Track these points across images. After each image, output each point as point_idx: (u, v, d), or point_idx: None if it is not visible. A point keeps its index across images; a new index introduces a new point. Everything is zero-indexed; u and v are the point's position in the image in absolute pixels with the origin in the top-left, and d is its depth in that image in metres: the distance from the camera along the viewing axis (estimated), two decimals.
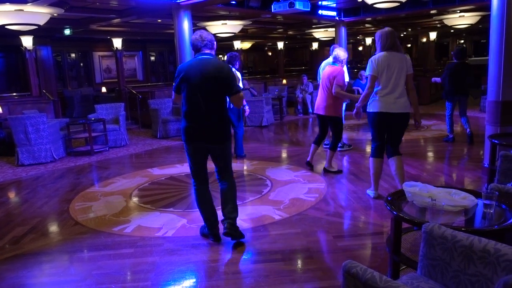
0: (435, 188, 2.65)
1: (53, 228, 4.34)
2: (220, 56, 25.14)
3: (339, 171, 5.74)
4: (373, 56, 4.32)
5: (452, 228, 2.04)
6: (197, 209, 3.77)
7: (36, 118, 7.03)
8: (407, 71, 4.24)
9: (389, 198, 2.67)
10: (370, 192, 4.71)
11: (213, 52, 3.49)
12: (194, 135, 3.45)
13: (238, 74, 6.42)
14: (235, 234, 3.55)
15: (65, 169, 6.78)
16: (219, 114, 3.44)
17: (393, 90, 4.20)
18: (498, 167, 3.41)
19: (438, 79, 7.63)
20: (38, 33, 11.07)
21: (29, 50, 12.45)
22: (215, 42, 3.52)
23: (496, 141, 4.46)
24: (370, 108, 4.33)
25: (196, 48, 3.45)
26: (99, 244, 3.74)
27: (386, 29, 4.29)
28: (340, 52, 5.51)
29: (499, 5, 4.79)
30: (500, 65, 4.87)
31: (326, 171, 5.74)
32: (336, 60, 5.55)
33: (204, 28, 11.86)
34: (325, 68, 5.78)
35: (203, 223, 3.75)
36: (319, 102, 5.63)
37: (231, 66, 6.31)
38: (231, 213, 3.59)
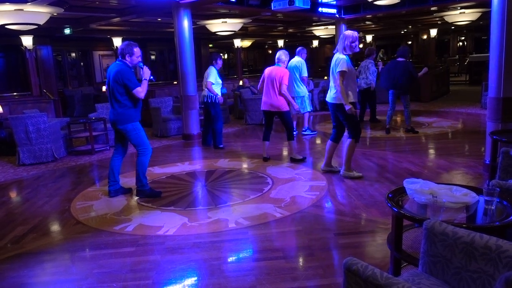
0: (436, 185, 2.64)
1: (54, 227, 4.35)
2: (221, 54, 25.15)
3: (304, 159, 6.31)
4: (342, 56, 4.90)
5: (453, 224, 2.04)
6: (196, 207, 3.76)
7: (37, 118, 7.03)
8: None
9: (390, 195, 2.67)
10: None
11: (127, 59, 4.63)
12: None
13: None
14: None
15: (66, 168, 6.78)
16: None
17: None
18: (499, 163, 3.40)
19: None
20: (38, 32, 11.07)
21: (29, 49, 12.45)
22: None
23: (497, 138, 4.46)
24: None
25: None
26: (100, 243, 3.74)
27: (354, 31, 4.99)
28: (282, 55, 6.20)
29: (500, 1, 4.77)
30: (501, 61, 4.85)
31: (292, 160, 6.32)
32: (279, 61, 6.18)
33: (204, 27, 11.86)
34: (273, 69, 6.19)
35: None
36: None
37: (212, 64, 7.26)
38: None
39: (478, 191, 2.61)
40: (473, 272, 1.85)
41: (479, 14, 12.49)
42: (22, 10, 7.71)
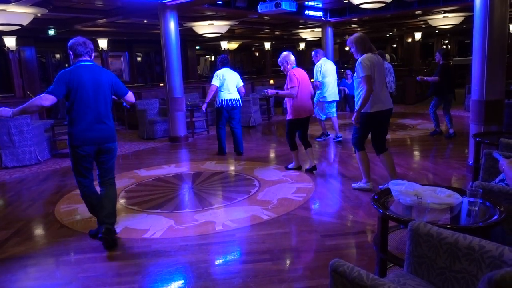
0: (421, 186, 2.68)
1: (38, 231, 4.27)
2: (207, 56, 25.08)
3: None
4: (361, 58, 4.38)
5: (437, 225, 2.06)
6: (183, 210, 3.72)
7: (20, 120, 6.90)
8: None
9: (375, 197, 2.70)
10: (364, 184, 4.84)
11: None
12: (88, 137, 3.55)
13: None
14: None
15: (50, 171, 6.68)
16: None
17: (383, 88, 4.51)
18: (482, 165, 3.46)
19: (429, 78, 7.94)
20: (22, 33, 10.90)
21: (12, 50, 12.25)
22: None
23: (480, 140, 4.54)
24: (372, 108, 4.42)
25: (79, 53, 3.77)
26: (85, 247, 3.69)
27: (360, 34, 4.53)
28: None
29: (482, 6, 4.87)
30: (483, 64, 4.94)
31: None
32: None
33: (191, 29, 11.82)
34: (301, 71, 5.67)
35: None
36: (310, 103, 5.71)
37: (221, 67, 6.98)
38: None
39: (461, 192, 2.65)
40: (457, 272, 1.87)
41: (462, 18, 12.72)
42: (5, 10, 7.58)
